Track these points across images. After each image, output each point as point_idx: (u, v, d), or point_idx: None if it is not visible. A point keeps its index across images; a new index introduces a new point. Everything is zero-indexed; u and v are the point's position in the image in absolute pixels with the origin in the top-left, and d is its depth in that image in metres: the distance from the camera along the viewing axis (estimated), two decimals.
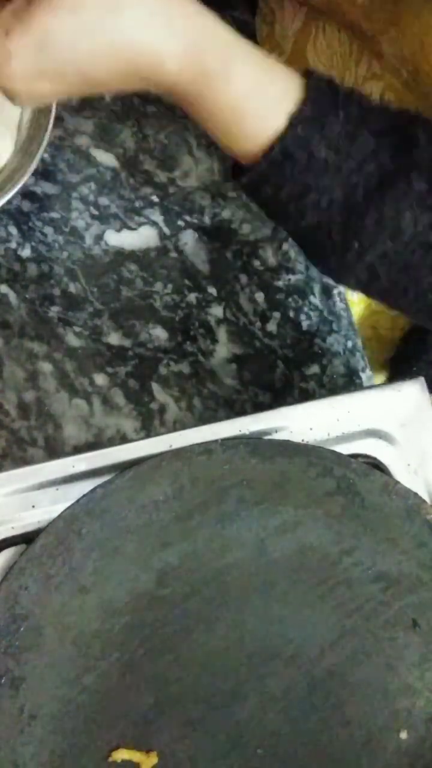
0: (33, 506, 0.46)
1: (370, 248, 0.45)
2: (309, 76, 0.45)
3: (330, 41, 0.62)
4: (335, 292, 0.68)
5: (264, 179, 0.45)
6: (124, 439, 0.57)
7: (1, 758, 0.41)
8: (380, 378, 0.80)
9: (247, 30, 0.68)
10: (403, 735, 0.46)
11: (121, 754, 0.43)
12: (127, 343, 0.60)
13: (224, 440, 0.48)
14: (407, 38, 0.54)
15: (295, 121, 0.43)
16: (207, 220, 0.65)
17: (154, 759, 0.43)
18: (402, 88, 0.58)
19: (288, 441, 0.49)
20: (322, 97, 0.44)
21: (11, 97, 0.43)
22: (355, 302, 0.73)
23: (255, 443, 0.49)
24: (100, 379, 0.58)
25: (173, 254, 0.63)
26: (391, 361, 0.80)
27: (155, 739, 0.44)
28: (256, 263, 0.66)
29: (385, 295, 0.50)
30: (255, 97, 0.43)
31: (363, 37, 0.58)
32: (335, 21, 0.60)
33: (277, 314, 0.65)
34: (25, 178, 0.53)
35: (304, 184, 0.44)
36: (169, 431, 0.49)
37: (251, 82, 0.43)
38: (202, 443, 0.48)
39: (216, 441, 0.48)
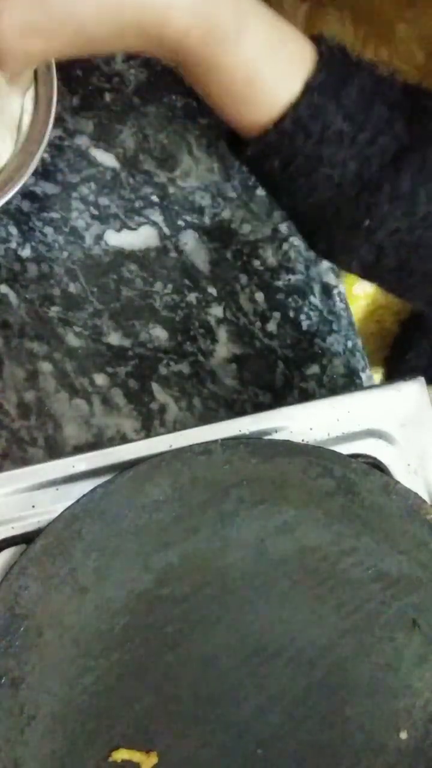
0: (33, 506, 0.46)
1: (382, 226, 0.42)
2: (319, 41, 0.41)
3: (335, 28, 0.60)
4: (335, 292, 0.68)
5: (273, 151, 0.41)
6: (124, 439, 0.57)
7: (2, 758, 0.41)
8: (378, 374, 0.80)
9: None
10: (403, 735, 0.46)
11: (122, 754, 0.43)
12: (127, 343, 0.60)
13: (224, 440, 0.48)
14: (426, 17, 0.52)
15: (309, 88, 0.40)
16: (207, 220, 0.65)
17: (154, 759, 0.43)
18: (415, 72, 0.56)
19: (288, 441, 0.49)
20: (335, 62, 0.41)
21: None
22: (360, 296, 0.72)
23: (255, 443, 0.49)
24: (100, 379, 0.58)
25: (173, 254, 0.63)
26: (389, 352, 0.79)
27: (155, 739, 0.44)
28: (256, 263, 0.66)
29: (388, 277, 0.48)
30: (267, 60, 0.40)
31: (371, 22, 0.56)
32: (341, 9, 0.59)
33: (277, 314, 0.65)
34: (25, 178, 0.53)
35: (317, 157, 0.41)
36: (169, 431, 0.49)
37: (263, 43, 0.40)
38: (202, 443, 0.48)
39: (216, 441, 0.48)
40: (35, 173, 0.57)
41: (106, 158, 0.63)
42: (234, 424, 0.50)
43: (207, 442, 0.48)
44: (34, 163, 0.53)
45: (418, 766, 0.46)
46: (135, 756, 0.43)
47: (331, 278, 0.68)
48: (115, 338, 0.60)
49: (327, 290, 0.68)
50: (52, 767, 0.42)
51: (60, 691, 0.43)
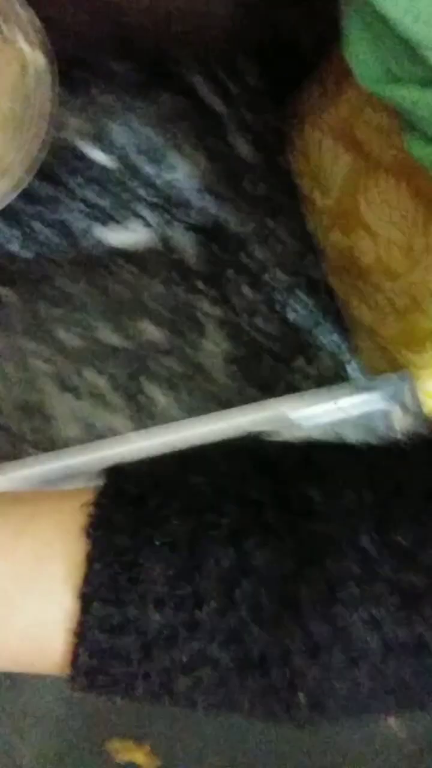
0: None
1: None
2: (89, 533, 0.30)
3: (386, 196, 0.56)
4: (321, 286, 0.69)
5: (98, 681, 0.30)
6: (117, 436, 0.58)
7: (2, 758, 0.42)
8: None
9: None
10: (402, 735, 0.47)
11: (123, 755, 0.43)
12: (119, 340, 0.60)
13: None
14: None
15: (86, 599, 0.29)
16: (197, 216, 0.66)
17: (155, 758, 0.43)
18: None
19: (275, 433, 0.50)
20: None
21: None
22: None
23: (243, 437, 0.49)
24: (93, 376, 0.59)
25: (164, 251, 0.64)
26: None
27: (157, 738, 0.44)
28: (244, 258, 0.67)
29: None
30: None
31: None
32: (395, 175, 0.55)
33: (264, 308, 0.66)
34: (29, 179, 0.53)
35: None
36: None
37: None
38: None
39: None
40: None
41: (99, 157, 0.63)
42: (223, 417, 0.50)
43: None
44: (31, 162, 0.53)
45: (419, 764, 0.46)
46: (137, 756, 0.43)
47: (317, 273, 0.69)
48: (108, 336, 0.60)
49: (313, 284, 0.68)
50: (53, 767, 0.42)
51: (60, 691, 0.43)
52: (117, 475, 0.32)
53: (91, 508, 0.31)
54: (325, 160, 0.64)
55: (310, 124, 0.65)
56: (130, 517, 0.30)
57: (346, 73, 0.58)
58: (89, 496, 0.31)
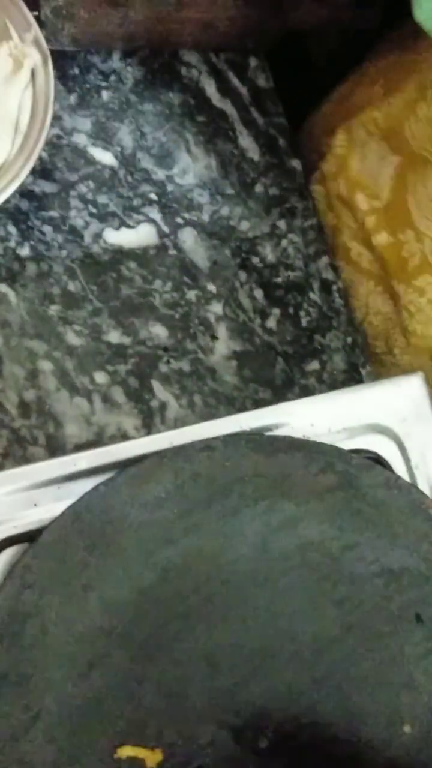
0: (35, 505, 0.46)
1: None
2: None
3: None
4: (334, 288, 0.68)
5: None
6: (125, 437, 0.57)
7: (6, 756, 0.41)
8: None
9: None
10: (407, 729, 0.46)
11: (126, 751, 0.43)
12: (126, 341, 0.60)
13: (225, 437, 0.48)
14: None
15: None
16: (206, 217, 0.65)
17: (159, 755, 0.43)
18: None
19: (289, 437, 0.49)
20: None
21: None
22: None
23: (256, 439, 0.49)
24: (101, 377, 0.58)
25: (172, 252, 0.63)
26: None
27: (160, 735, 0.44)
28: (255, 260, 0.66)
29: None
30: None
31: None
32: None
33: (276, 311, 0.65)
34: (24, 177, 0.53)
35: None
36: (169, 429, 0.49)
37: None
38: (203, 440, 0.48)
39: (217, 438, 0.48)
40: (33, 172, 0.57)
41: (104, 156, 0.63)
42: (235, 421, 0.50)
43: (208, 439, 0.48)
44: (32, 162, 0.53)
45: (422, 760, 0.46)
46: (140, 753, 0.43)
47: (330, 274, 0.68)
48: (114, 336, 0.60)
49: (326, 286, 0.68)
50: (57, 765, 0.42)
51: (64, 688, 0.43)
52: None
53: None
54: (371, 161, 0.64)
55: (351, 125, 0.65)
56: None
57: (403, 67, 0.58)
58: None
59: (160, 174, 0.64)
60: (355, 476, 0.49)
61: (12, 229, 0.59)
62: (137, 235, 0.63)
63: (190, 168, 0.66)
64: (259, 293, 0.65)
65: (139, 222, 0.63)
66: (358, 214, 0.67)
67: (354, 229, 0.68)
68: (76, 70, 0.64)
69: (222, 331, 0.63)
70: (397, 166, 0.61)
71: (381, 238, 0.65)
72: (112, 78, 0.65)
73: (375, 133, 0.63)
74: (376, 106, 0.62)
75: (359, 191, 0.66)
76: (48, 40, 0.55)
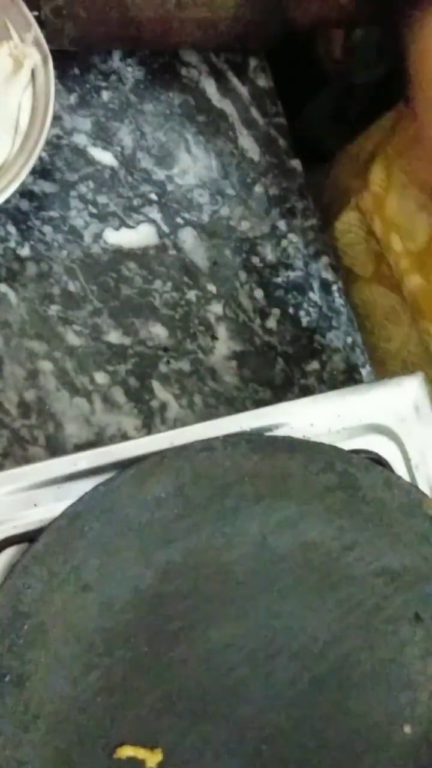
0: (35, 505, 0.46)
1: None
2: None
3: None
4: (334, 288, 0.68)
5: None
6: (125, 437, 0.57)
7: (6, 756, 0.41)
8: None
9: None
10: (407, 729, 0.46)
11: (126, 751, 0.43)
12: (127, 341, 0.60)
13: (225, 437, 0.48)
14: None
15: None
16: (205, 217, 0.65)
17: (158, 755, 0.43)
18: None
19: (289, 437, 0.49)
20: None
21: None
22: None
23: (256, 440, 0.49)
24: (101, 377, 0.58)
25: (172, 252, 0.63)
26: None
27: (160, 735, 0.44)
28: (255, 260, 0.66)
29: None
30: None
31: None
32: None
33: (276, 311, 0.65)
34: (23, 177, 0.53)
35: None
36: (170, 429, 0.49)
37: None
38: (203, 440, 0.48)
39: (217, 438, 0.48)
40: (33, 172, 0.57)
41: (104, 156, 0.63)
42: (235, 421, 0.50)
43: (208, 439, 0.48)
44: (32, 162, 0.53)
45: (422, 759, 0.46)
46: (140, 752, 0.43)
47: (330, 274, 0.68)
48: (115, 336, 0.60)
49: (326, 286, 0.68)
50: (56, 765, 0.42)
51: (64, 688, 0.43)
52: None
53: None
54: (409, 206, 0.64)
55: (391, 166, 0.65)
56: None
57: None
58: None
59: (160, 174, 0.65)
60: (355, 476, 0.49)
61: (12, 229, 0.59)
62: (137, 235, 0.63)
63: (190, 168, 0.66)
64: (259, 293, 0.65)
65: (139, 222, 0.63)
66: (391, 255, 0.67)
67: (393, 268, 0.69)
68: (76, 70, 0.64)
69: (222, 331, 0.63)
70: None
71: (414, 280, 0.66)
72: (112, 78, 0.65)
73: (415, 180, 0.63)
74: (416, 155, 0.62)
75: (394, 232, 0.66)
76: (48, 40, 0.55)
